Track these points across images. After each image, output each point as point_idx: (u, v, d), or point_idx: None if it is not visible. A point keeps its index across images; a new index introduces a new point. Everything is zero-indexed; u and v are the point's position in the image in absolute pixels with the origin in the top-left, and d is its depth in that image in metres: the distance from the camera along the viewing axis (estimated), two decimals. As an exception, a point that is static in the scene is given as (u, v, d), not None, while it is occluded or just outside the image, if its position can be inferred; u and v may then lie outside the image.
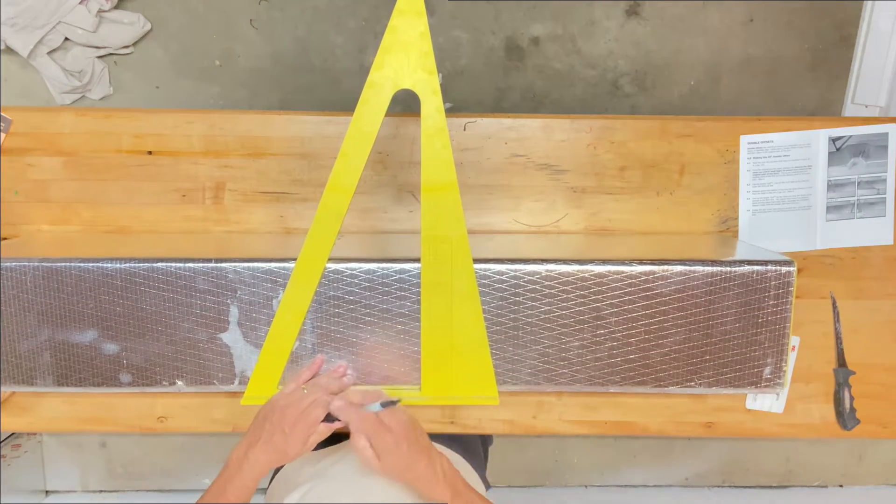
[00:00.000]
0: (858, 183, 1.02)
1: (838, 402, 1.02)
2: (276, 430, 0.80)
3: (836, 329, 1.02)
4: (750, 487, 1.78)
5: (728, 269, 0.87)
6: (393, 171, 1.01)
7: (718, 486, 1.79)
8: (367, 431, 0.78)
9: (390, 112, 0.84)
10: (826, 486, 1.78)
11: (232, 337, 0.88)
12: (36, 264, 0.86)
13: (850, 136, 1.01)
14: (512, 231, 1.03)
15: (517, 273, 0.87)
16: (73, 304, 0.86)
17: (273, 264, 0.87)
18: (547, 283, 0.87)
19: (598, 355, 0.89)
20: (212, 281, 0.86)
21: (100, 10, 1.53)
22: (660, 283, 0.87)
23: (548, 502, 1.73)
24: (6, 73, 1.59)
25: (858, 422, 1.01)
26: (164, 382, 0.90)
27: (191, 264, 0.86)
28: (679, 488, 1.79)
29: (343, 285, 0.87)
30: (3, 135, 0.98)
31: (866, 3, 1.55)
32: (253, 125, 0.99)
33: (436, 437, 0.94)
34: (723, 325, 0.88)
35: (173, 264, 0.86)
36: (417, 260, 0.86)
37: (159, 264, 0.86)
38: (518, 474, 1.79)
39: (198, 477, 1.77)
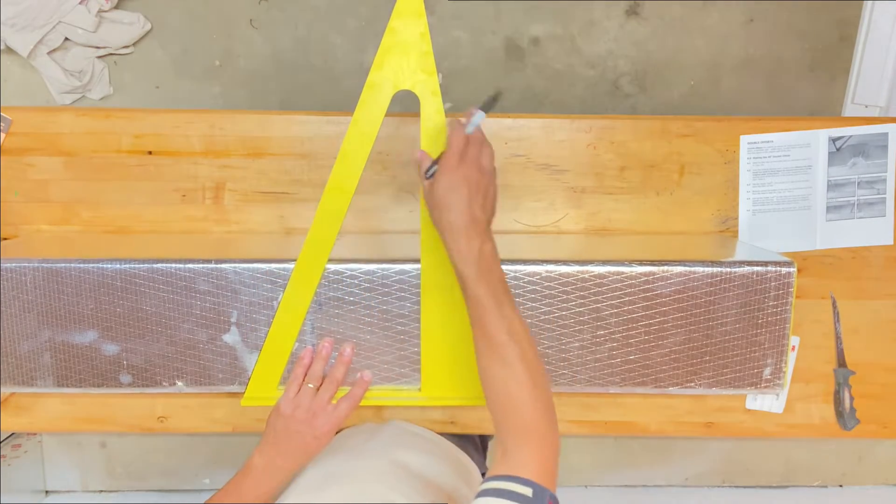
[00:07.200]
0: (858, 183, 1.02)
1: (838, 402, 1.02)
2: (307, 437, 0.83)
3: (836, 329, 1.02)
4: (750, 487, 1.78)
5: (728, 269, 0.87)
6: (393, 171, 1.01)
7: (718, 486, 1.79)
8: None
9: (390, 112, 0.83)
10: (826, 486, 1.78)
11: (232, 337, 0.88)
12: (36, 265, 0.86)
13: (850, 136, 1.01)
14: (512, 231, 1.02)
15: (517, 273, 0.87)
16: (73, 305, 0.86)
17: (273, 265, 0.86)
18: (547, 283, 0.87)
19: (597, 356, 0.89)
20: (212, 282, 0.86)
21: (100, 10, 1.53)
22: (660, 283, 0.87)
23: (548, 502, 1.73)
24: (6, 73, 1.59)
25: (858, 422, 1.01)
26: (164, 383, 0.89)
27: (191, 265, 0.86)
28: (679, 488, 1.78)
29: (343, 286, 0.87)
30: (3, 135, 0.98)
31: (866, 3, 1.55)
32: (253, 125, 0.99)
33: None
34: (723, 325, 0.88)
35: (173, 265, 0.86)
36: (417, 261, 0.86)
37: (159, 265, 0.86)
38: (518, 474, 1.78)
39: (198, 477, 1.77)
